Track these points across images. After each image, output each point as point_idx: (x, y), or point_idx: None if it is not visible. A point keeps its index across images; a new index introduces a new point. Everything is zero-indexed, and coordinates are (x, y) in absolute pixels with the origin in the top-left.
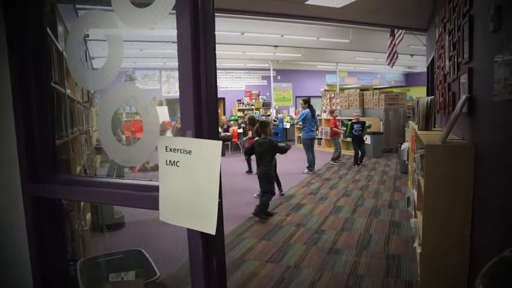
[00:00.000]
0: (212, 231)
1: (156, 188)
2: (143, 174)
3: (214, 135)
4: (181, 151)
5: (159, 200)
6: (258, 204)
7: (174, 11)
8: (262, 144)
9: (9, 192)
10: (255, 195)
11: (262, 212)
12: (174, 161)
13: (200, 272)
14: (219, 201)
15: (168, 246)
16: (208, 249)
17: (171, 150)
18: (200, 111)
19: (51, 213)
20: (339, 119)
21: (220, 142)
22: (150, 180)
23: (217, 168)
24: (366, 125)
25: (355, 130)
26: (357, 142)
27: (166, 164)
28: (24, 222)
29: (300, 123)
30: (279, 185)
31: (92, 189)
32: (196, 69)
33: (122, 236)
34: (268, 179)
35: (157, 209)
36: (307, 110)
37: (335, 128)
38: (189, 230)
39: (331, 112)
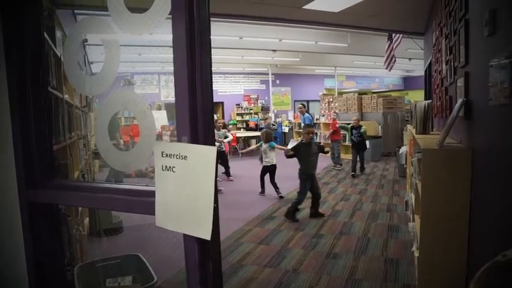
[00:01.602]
0: (207, 236)
1: (152, 193)
2: (141, 179)
3: (210, 141)
4: (177, 156)
5: (155, 205)
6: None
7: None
8: (306, 146)
9: (6, 198)
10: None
11: (293, 213)
12: (170, 167)
13: (196, 276)
14: (214, 206)
15: (165, 250)
16: (204, 254)
17: (167, 155)
18: (196, 117)
19: (48, 218)
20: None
21: (215, 147)
22: (147, 186)
23: (213, 173)
24: (361, 130)
25: (354, 135)
26: (356, 148)
27: (162, 170)
28: (21, 228)
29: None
30: (277, 188)
31: (89, 195)
32: (191, 76)
33: (120, 241)
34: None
35: (154, 214)
36: (308, 114)
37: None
38: (185, 235)
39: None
